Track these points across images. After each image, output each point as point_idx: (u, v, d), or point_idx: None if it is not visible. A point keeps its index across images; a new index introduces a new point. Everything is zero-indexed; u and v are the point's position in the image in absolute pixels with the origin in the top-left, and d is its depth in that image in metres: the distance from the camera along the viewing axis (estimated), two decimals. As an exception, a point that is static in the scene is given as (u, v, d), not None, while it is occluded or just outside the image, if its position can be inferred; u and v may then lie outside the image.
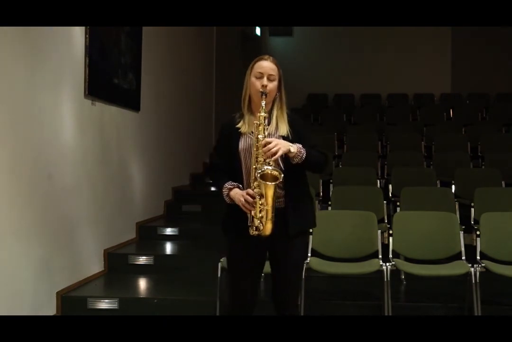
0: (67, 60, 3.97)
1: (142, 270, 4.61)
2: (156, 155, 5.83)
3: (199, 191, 6.62)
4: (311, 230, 3.87)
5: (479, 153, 6.82)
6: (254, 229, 2.41)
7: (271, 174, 2.38)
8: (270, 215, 2.38)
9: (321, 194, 5.50)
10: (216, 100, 8.36)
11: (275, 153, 2.36)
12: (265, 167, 2.38)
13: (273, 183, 2.36)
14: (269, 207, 2.38)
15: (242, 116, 2.59)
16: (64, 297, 3.89)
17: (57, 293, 3.86)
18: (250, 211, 2.41)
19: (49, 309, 3.78)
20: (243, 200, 2.42)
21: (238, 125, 2.56)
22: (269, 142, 2.38)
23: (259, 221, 2.39)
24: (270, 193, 2.37)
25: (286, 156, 2.45)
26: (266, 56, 2.57)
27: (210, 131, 8.11)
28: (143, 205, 5.50)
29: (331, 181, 5.63)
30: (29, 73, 3.51)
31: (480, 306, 3.47)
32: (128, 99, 5.03)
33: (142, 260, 4.65)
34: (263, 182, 2.36)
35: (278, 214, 2.44)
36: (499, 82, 9.76)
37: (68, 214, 4.02)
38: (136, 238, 5.29)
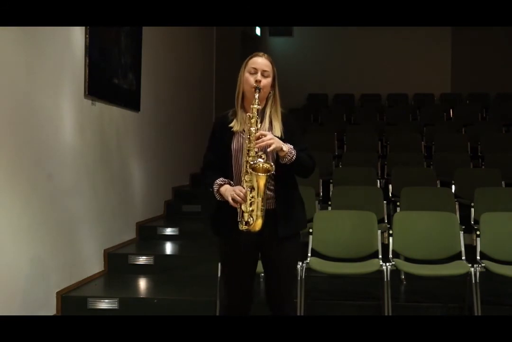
0: (67, 60, 3.97)
1: (142, 270, 4.60)
2: (156, 155, 5.83)
3: (199, 191, 6.61)
4: (310, 230, 3.89)
5: (479, 153, 6.82)
6: (244, 224, 2.36)
7: (262, 166, 2.34)
8: (260, 208, 2.33)
9: (321, 194, 5.50)
10: (216, 100, 8.35)
11: (269, 145, 2.33)
12: (258, 160, 2.35)
13: (265, 174, 2.33)
14: (260, 199, 2.33)
15: (235, 114, 2.55)
16: (64, 297, 3.89)
17: (57, 293, 3.86)
18: (240, 205, 2.37)
19: (49, 309, 3.78)
20: (234, 193, 2.37)
21: (231, 124, 2.53)
22: (264, 135, 2.35)
23: (249, 215, 2.35)
24: (261, 183, 2.32)
25: (276, 155, 2.42)
26: (261, 53, 2.54)
27: (210, 131, 8.09)
28: (143, 205, 5.50)
29: (331, 181, 5.63)
30: (29, 73, 3.51)
31: (480, 306, 3.47)
32: (128, 99, 5.03)
33: (142, 260, 4.65)
34: (255, 173, 2.32)
35: (268, 215, 2.40)
36: (499, 82, 9.75)
37: (68, 214, 4.01)
38: (136, 238, 5.29)
